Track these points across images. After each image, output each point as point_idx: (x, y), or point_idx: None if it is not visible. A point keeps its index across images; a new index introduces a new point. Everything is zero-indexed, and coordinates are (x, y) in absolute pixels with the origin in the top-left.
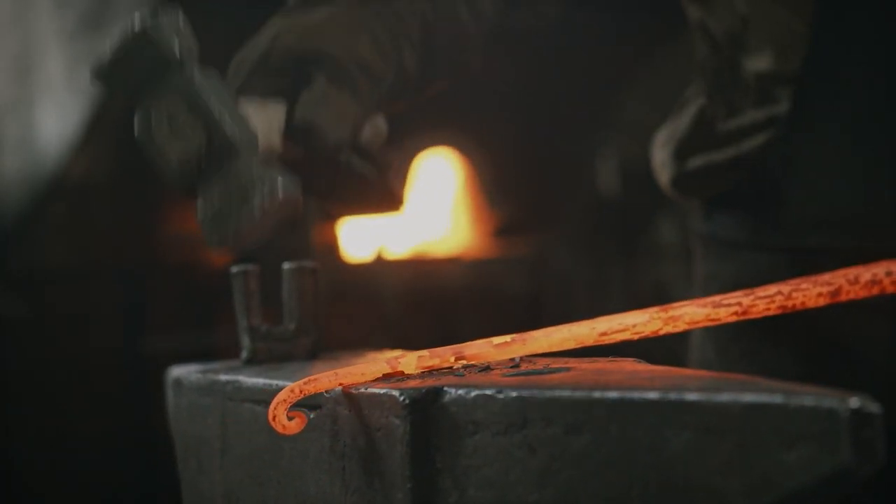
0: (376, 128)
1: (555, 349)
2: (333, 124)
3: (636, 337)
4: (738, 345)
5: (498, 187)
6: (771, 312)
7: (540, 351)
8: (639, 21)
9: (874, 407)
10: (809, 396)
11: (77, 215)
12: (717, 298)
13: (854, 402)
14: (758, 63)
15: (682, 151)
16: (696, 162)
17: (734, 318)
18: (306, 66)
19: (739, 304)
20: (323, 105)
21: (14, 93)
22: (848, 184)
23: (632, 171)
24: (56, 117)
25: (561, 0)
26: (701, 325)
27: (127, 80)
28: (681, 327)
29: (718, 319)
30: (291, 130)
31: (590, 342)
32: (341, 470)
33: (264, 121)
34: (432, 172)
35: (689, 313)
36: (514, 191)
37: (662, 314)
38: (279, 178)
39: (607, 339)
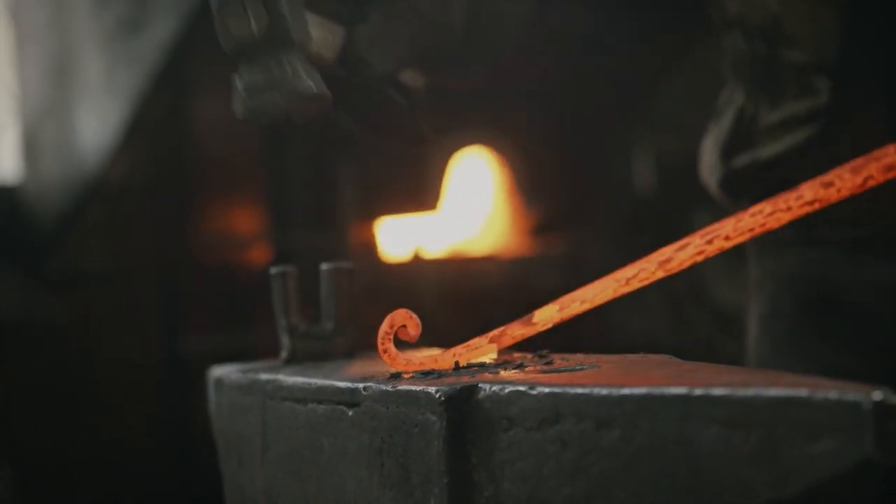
0: (415, 76)
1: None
2: (382, 60)
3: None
4: (793, 342)
5: (534, 185)
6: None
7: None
8: (675, 16)
9: None
10: (833, 390)
11: (116, 218)
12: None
13: (877, 394)
14: (796, 54)
15: (727, 152)
16: (741, 160)
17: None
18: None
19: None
20: (377, 43)
21: (53, 96)
22: None
23: (667, 167)
24: (95, 120)
25: None
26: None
27: None
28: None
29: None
30: (345, 57)
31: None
32: (379, 466)
33: (322, 36)
34: (469, 171)
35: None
36: (549, 189)
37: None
38: (316, 76)
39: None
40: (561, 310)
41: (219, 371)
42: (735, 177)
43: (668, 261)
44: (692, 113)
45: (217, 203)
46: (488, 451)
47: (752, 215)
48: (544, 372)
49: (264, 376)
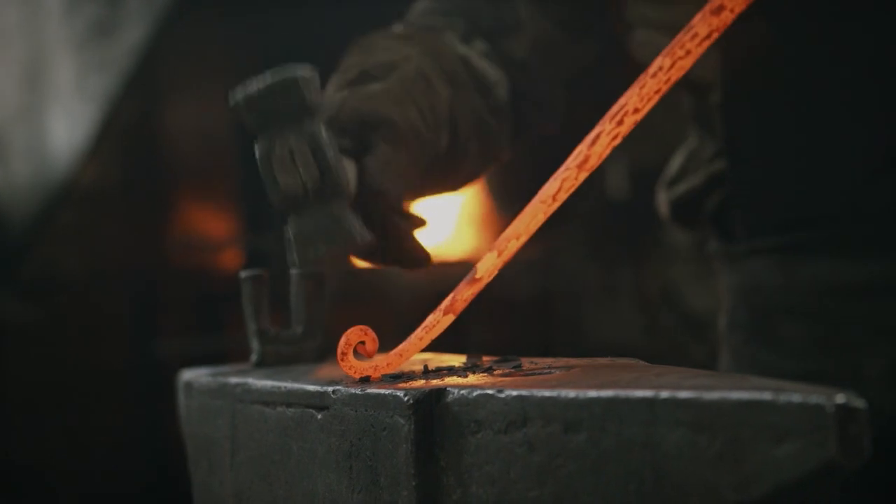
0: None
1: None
2: (395, 184)
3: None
4: (748, 353)
5: (506, 191)
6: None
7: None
8: None
9: (860, 402)
10: (797, 393)
11: (87, 222)
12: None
13: (840, 397)
14: (714, 96)
15: (671, 185)
16: (678, 190)
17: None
18: (367, 130)
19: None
20: (387, 169)
21: (24, 100)
22: (819, 179)
23: (641, 173)
24: (65, 125)
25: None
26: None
27: (262, 115)
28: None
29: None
30: (362, 189)
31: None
32: (348, 469)
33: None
34: None
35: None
36: (522, 194)
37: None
38: (360, 224)
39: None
40: (500, 254)
41: (188, 375)
42: (677, 206)
43: (585, 160)
44: (666, 122)
45: (189, 207)
46: (457, 454)
47: (653, 75)
48: (512, 375)
49: (234, 380)
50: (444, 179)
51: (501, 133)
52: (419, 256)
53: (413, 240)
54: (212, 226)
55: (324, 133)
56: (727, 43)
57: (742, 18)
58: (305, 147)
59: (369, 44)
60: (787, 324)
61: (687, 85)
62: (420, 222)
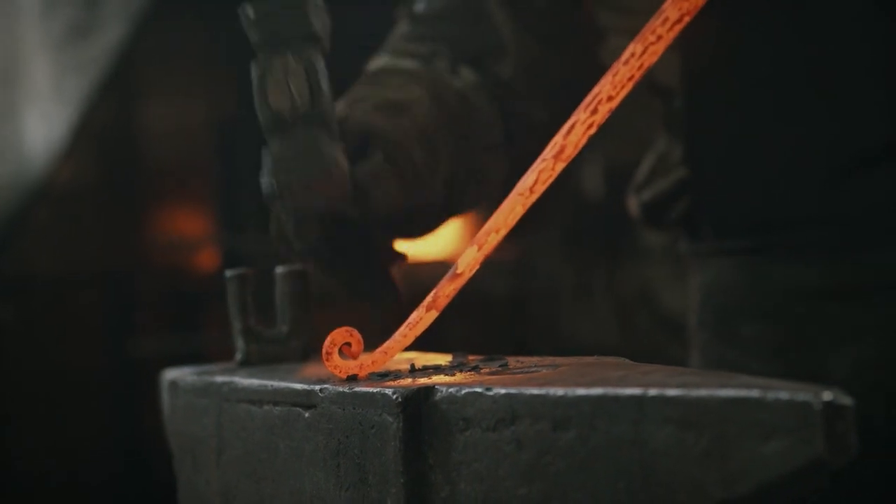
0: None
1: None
2: (383, 198)
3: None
4: (713, 353)
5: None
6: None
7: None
8: None
9: (847, 400)
10: (784, 391)
11: (63, 221)
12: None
13: (827, 395)
14: (678, 101)
15: (639, 189)
16: (646, 195)
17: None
18: (368, 139)
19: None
20: (377, 180)
21: (0, 101)
22: (782, 182)
23: (617, 174)
24: (42, 125)
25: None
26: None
27: (266, 32)
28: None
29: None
30: (353, 201)
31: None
32: (336, 467)
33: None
34: None
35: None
36: (497, 194)
37: (586, 114)
38: (341, 155)
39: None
40: (480, 248)
41: (173, 374)
42: (646, 210)
43: (561, 150)
44: (643, 121)
45: (166, 207)
46: (445, 451)
47: (626, 62)
48: (500, 374)
49: (220, 378)
50: (438, 222)
51: (496, 172)
52: (389, 292)
53: (388, 273)
54: (188, 225)
55: (321, 61)
56: (687, 46)
57: (701, 20)
58: (302, 70)
59: (378, 79)
60: (750, 325)
61: (651, 89)
62: (401, 258)
